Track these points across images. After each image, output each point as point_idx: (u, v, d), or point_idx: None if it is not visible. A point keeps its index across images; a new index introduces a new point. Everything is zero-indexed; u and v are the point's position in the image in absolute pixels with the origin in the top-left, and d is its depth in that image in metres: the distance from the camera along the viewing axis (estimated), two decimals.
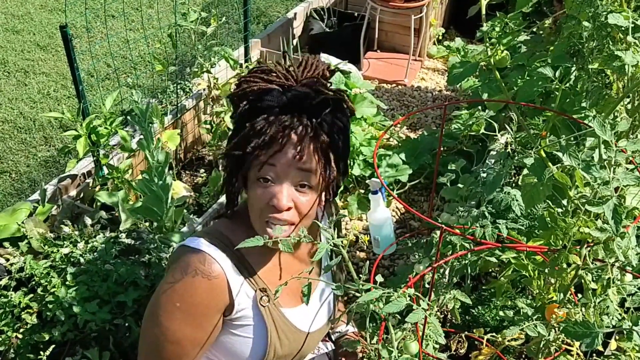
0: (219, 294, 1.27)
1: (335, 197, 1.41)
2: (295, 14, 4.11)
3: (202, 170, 3.17)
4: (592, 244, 1.21)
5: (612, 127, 1.06)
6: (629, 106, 1.53)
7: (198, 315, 1.26)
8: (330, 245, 1.10)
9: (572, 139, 1.15)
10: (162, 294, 1.27)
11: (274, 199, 1.23)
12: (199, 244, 1.28)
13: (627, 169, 1.14)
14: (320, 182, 1.26)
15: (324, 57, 3.68)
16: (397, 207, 3.04)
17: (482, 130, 1.55)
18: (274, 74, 1.26)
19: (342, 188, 1.40)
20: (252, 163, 1.23)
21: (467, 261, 1.54)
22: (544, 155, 1.34)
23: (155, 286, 1.89)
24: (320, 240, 1.41)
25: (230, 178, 1.30)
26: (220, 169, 2.98)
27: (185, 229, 2.34)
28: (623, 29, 1.30)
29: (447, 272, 1.66)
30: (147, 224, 2.25)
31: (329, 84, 1.29)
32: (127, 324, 1.86)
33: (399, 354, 1.16)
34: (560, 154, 1.12)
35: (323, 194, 1.31)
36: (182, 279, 1.25)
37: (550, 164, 1.28)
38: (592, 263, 1.24)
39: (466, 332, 1.70)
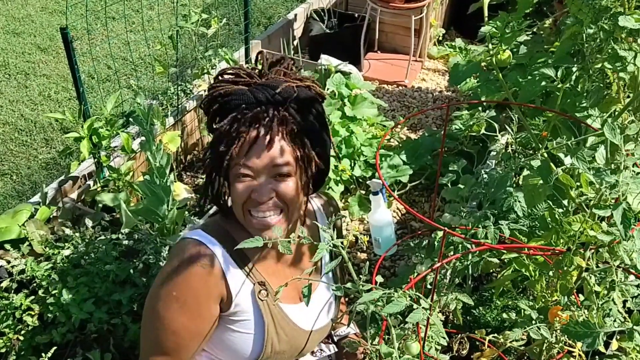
0: (215, 283, 1.29)
1: (322, 184, 1.43)
2: (295, 15, 4.11)
3: (203, 172, 3.17)
4: (596, 247, 1.21)
5: (622, 131, 1.07)
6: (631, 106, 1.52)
7: (194, 304, 1.28)
8: (330, 246, 1.10)
9: (573, 139, 1.15)
10: (159, 284, 1.30)
11: (253, 192, 1.26)
12: (196, 234, 1.31)
13: (634, 172, 1.14)
14: (297, 168, 1.29)
15: (325, 59, 3.68)
16: (398, 208, 3.04)
17: (483, 131, 1.55)
18: (240, 76, 1.31)
19: (327, 173, 1.41)
20: (229, 163, 1.27)
21: (468, 262, 1.54)
22: (546, 156, 1.34)
23: None
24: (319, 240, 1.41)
25: (210, 180, 1.32)
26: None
27: (186, 230, 2.34)
28: (628, 30, 1.31)
29: (448, 273, 1.66)
30: (147, 225, 2.25)
31: (293, 75, 1.33)
32: (124, 324, 1.86)
33: (400, 355, 1.16)
34: (562, 155, 1.12)
35: (305, 180, 1.33)
36: (178, 268, 1.28)
37: (552, 165, 1.28)
38: (596, 265, 1.24)
39: (468, 333, 1.69)
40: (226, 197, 1.36)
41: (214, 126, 1.29)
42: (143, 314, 1.34)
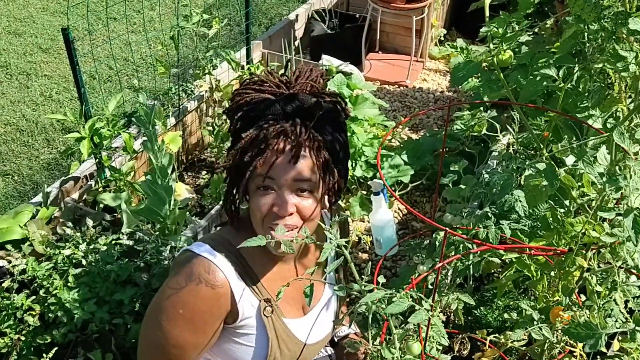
0: (222, 303, 1.27)
1: (339, 200, 1.41)
2: (296, 15, 4.11)
3: (204, 172, 3.17)
4: (597, 247, 1.21)
5: (631, 135, 1.07)
6: (632, 105, 1.52)
7: (201, 322, 1.27)
8: (334, 246, 1.10)
9: (574, 139, 1.15)
10: (165, 299, 1.27)
11: (275, 206, 1.24)
12: (205, 250, 1.28)
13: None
14: (320, 185, 1.27)
15: (326, 59, 3.68)
16: (399, 208, 3.04)
17: (484, 131, 1.55)
18: (267, 84, 1.28)
19: (344, 190, 1.39)
20: (251, 173, 1.24)
21: (470, 262, 1.54)
22: (549, 158, 1.34)
23: (154, 285, 1.89)
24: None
25: (231, 190, 1.30)
26: (218, 174, 2.98)
27: (187, 231, 2.34)
28: (629, 30, 1.30)
29: (449, 273, 1.65)
30: (149, 225, 2.25)
31: (323, 89, 1.30)
32: (126, 323, 1.86)
33: (402, 355, 1.16)
34: (564, 157, 1.12)
35: (325, 197, 1.31)
36: (186, 286, 1.25)
37: (554, 165, 1.28)
38: (598, 266, 1.24)
39: (469, 333, 1.69)
40: (239, 207, 1.33)
41: (241, 135, 1.25)
42: (144, 322, 1.32)
